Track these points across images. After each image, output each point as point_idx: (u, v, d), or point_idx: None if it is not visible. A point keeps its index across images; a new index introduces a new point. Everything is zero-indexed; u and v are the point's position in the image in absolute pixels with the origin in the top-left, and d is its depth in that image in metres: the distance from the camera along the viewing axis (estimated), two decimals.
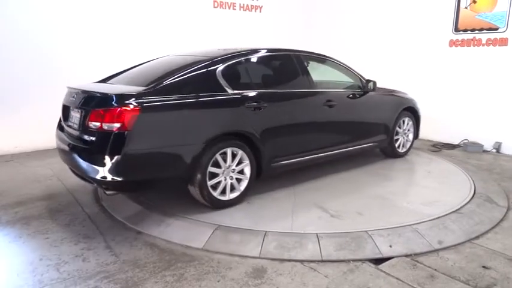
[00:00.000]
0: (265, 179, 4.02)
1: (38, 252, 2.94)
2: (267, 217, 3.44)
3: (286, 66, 4.28)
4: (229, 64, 3.66)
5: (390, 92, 5.42)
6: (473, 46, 6.31)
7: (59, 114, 3.86)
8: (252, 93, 3.70)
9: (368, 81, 4.85)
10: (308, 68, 4.39)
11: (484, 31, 6.16)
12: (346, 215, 3.48)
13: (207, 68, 3.52)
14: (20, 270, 2.70)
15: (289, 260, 2.85)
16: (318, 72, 4.75)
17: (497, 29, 6.03)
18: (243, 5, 7.69)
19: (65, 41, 5.85)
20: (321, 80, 4.75)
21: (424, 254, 2.98)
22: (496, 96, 6.12)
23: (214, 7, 7.31)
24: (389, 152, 5.46)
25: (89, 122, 3.10)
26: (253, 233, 3.12)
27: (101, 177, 3.00)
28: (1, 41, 5.38)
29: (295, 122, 4.06)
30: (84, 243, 3.07)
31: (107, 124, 2.98)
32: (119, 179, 3.02)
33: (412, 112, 5.54)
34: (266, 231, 3.12)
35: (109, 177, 2.99)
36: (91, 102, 3.25)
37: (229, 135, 3.51)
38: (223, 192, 3.56)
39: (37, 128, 5.67)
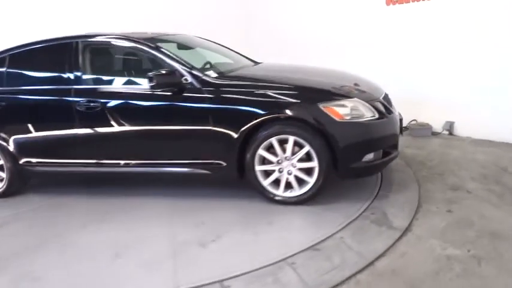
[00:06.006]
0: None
1: None
2: None
3: (40, 60, 3.79)
4: None
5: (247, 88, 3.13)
6: (413, 2, 4.97)
7: None
8: None
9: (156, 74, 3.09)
10: (82, 60, 3.53)
11: None
12: None
13: None
14: None
15: None
16: (102, 64, 3.84)
17: None
18: None
19: None
20: (101, 73, 3.76)
21: None
22: (446, 65, 4.79)
23: None
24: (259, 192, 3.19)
25: None
26: None
27: None
28: None
29: (38, 125, 3.67)
30: None
31: None
32: None
33: (315, 128, 2.91)
34: None
35: None
36: None
37: None
38: None
39: None
